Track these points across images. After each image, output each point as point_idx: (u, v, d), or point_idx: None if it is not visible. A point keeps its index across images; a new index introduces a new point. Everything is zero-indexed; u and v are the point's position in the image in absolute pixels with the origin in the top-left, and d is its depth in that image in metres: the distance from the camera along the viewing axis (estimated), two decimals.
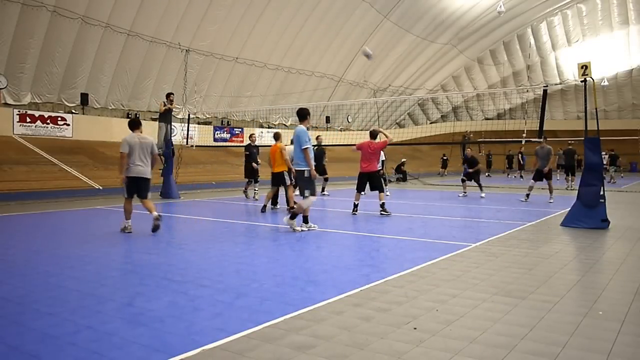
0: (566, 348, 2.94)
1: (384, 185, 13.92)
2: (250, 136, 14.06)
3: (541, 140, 11.20)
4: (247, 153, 13.26)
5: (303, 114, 7.59)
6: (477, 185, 14.51)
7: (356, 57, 30.31)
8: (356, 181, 10.08)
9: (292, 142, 8.04)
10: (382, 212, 9.57)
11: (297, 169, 7.55)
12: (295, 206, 8.35)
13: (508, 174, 26.94)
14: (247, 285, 4.38)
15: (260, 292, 4.13)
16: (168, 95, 14.09)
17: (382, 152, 14.66)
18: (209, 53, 23.22)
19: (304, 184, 7.46)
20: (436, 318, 3.47)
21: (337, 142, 27.97)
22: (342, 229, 7.96)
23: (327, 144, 16.37)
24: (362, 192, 10.00)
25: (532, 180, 12.84)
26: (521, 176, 27.03)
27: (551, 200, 12.41)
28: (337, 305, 3.76)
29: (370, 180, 9.76)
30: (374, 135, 10.02)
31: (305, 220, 7.53)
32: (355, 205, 9.85)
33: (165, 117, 14.00)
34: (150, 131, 15.14)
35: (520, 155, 26.89)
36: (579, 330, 3.25)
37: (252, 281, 4.52)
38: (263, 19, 23.46)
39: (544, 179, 12.64)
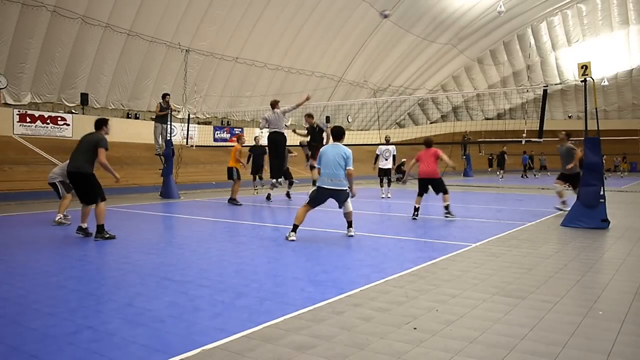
0: (566, 348, 2.94)
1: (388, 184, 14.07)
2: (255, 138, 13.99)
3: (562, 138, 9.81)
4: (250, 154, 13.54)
5: (341, 134, 7.27)
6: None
7: (356, 57, 30.32)
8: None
9: (318, 156, 7.38)
10: (447, 215, 9.12)
11: (341, 188, 6.95)
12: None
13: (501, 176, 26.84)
14: (247, 285, 4.38)
15: (260, 292, 4.13)
16: (164, 95, 14.09)
17: (394, 147, 14.73)
18: (209, 53, 23.23)
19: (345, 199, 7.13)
20: (436, 318, 3.47)
21: None
22: (342, 229, 7.95)
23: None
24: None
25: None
26: (502, 177, 26.71)
27: (557, 206, 10.12)
28: (337, 305, 3.76)
29: (433, 185, 9.28)
30: (429, 143, 9.46)
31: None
32: (416, 209, 9.20)
33: (164, 117, 14.00)
34: (149, 131, 15.20)
35: (503, 155, 26.89)
36: (579, 330, 3.25)
37: (252, 281, 4.52)
38: (263, 19, 23.47)
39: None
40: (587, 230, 7.60)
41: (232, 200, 11.95)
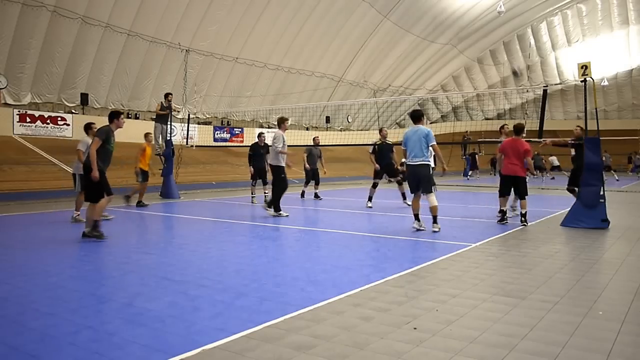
0: (566, 348, 2.94)
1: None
2: (259, 135, 12.73)
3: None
4: (251, 154, 12.32)
5: (419, 115, 7.92)
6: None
7: (356, 57, 30.31)
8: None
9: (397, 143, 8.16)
10: (523, 222, 8.22)
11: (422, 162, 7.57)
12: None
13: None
14: (247, 285, 4.38)
15: (260, 292, 4.13)
16: (167, 95, 14.09)
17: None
18: (209, 53, 23.22)
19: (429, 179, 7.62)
20: (436, 318, 3.47)
21: (337, 142, 27.93)
22: (342, 229, 7.95)
23: (326, 143, 16.35)
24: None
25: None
26: (470, 177, 26.73)
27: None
28: (337, 305, 3.76)
29: (515, 184, 8.48)
30: (519, 130, 8.48)
31: (435, 220, 7.53)
32: (503, 212, 8.53)
33: (164, 117, 14.00)
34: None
35: (474, 155, 26.92)
36: (579, 330, 3.25)
37: (252, 281, 4.52)
38: (263, 19, 23.46)
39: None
40: (587, 230, 7.60)
41: (140, 203, 11.23)
